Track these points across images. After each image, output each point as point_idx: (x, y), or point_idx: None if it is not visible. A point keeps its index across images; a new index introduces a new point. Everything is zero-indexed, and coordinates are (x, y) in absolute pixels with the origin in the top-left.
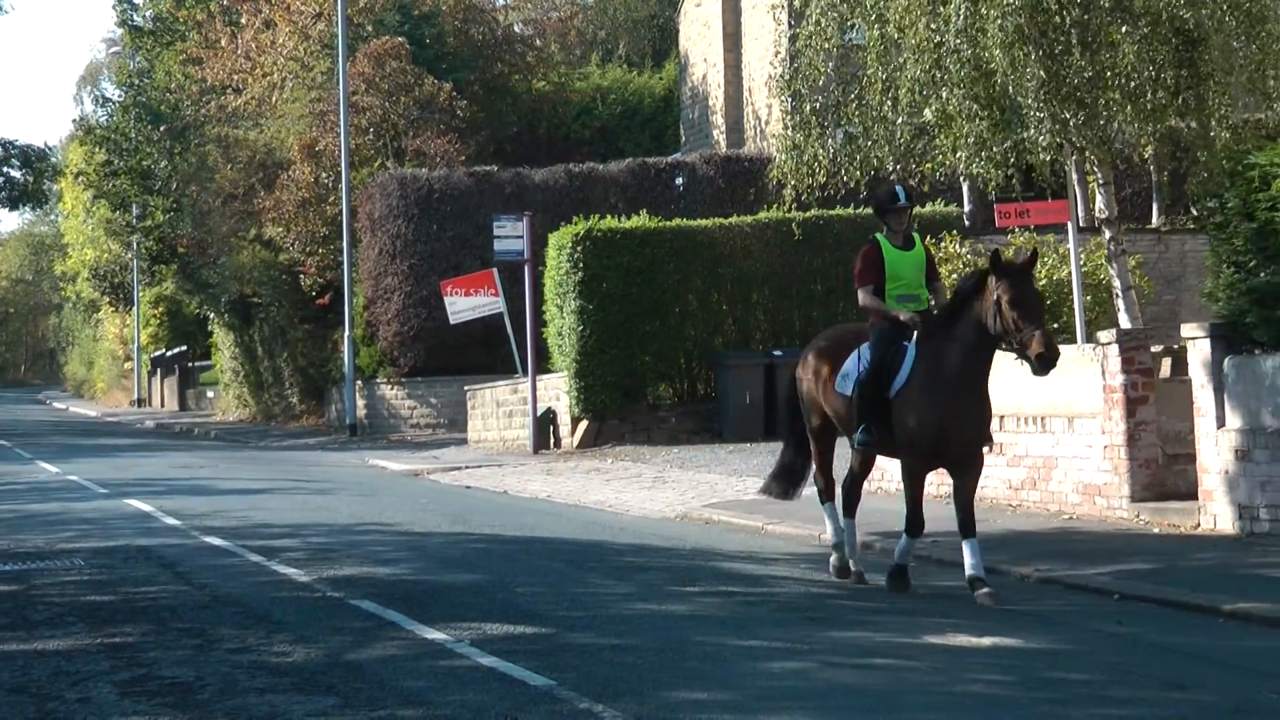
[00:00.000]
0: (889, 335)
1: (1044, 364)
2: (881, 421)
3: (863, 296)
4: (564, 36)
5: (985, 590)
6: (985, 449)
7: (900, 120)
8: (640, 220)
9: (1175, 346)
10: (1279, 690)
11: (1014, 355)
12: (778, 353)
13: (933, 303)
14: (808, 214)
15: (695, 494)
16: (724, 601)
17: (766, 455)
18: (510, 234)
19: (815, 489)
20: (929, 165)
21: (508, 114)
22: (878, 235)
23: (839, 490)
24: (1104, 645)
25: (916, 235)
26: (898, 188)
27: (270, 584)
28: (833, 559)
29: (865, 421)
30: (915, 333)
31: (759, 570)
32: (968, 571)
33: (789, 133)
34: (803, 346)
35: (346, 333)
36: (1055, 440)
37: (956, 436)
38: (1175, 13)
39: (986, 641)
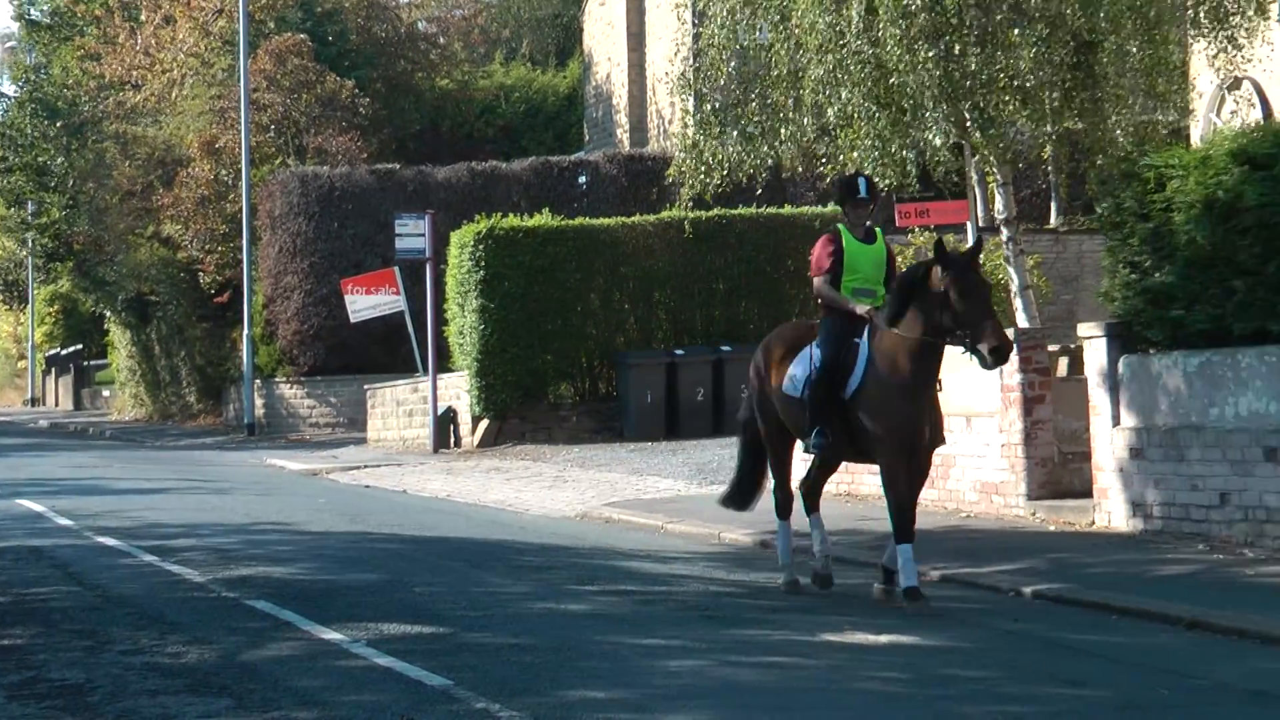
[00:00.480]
0: (840, 331)
1: (997, 357)
2: (836, 424)
3: (818, 284)
4: (467, 35)
5: (917, 603)
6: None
7: (803, 120)
8: (543, 219)
9: (1072, 346)
10: (1170, 686)
11: (962, 350)
12: (679, 352)
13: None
14: (709, 213)
15: (596, 493)
16: (623, 600)
17: (667, 455)
18: (412, 232)
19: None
20: (831, 166)
21: (410, 112)
22: (839, 225)
23: (798, 504)
24: (999, 642)
25: (880, 231)
26: (860, 179)
27: (164, 584)
28: (782, 577)
29: (819, 424)
30: (867, 328)
31: (658, 569)
32: (902, 581)
33: (689, 132)
34: (704, 345)
35: (245, 331)
36: (954, 439)
37: (925, 436)
38: (1071, 15)
39: (884, 639)
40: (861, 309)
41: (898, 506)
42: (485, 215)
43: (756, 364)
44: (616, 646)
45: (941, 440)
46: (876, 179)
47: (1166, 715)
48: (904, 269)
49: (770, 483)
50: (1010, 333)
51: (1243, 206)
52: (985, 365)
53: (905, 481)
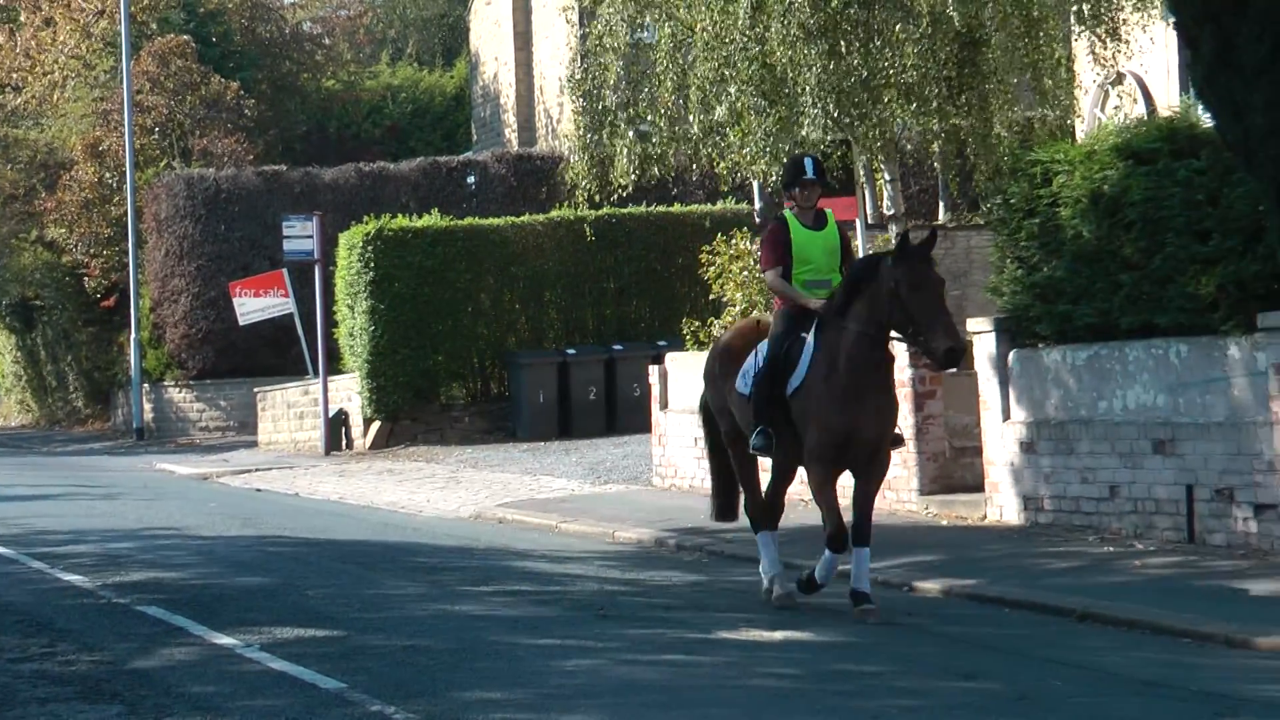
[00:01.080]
0: (790, 325)
1: (949, 359)
2: (781, 423)
3: (770, 279)
4: (353, 35)
5: (869, 607)
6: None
7: (692, 118)
8: (432, 219)
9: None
10: (1063, 678)
11: (909, 347)
12: (571, 351)
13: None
14: (600, 213)
15: (489, 493)
16: (517, 600)
17: (560, 454)
18: (300, 234)
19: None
20: (723, 165)
21: (297, 113)
22: (785, 213)
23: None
24: (893, 637)
25: (830, 214)
26: (806, 159)
27: (53, 591)
28: (775, 590)
29: (762, 423)
30: (816, 322)
31: (553, 569)
32: (852, 584)
33: (580, 133)
34: (596, 344)
35: (133, 335)
36: None
37: (859, 435)
38: (951, 12)
39: (778, 635)
40: (815, 303)
41: (827, 508)
42: (374, 216)
43: (710, 367)
44: (512, 647)
45: (898, 439)
46: (765, 176)
47: (1059, 707)
48: (860, 257)
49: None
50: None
51: (1128, 201)
52: (937, 366)
53: (833, 486)
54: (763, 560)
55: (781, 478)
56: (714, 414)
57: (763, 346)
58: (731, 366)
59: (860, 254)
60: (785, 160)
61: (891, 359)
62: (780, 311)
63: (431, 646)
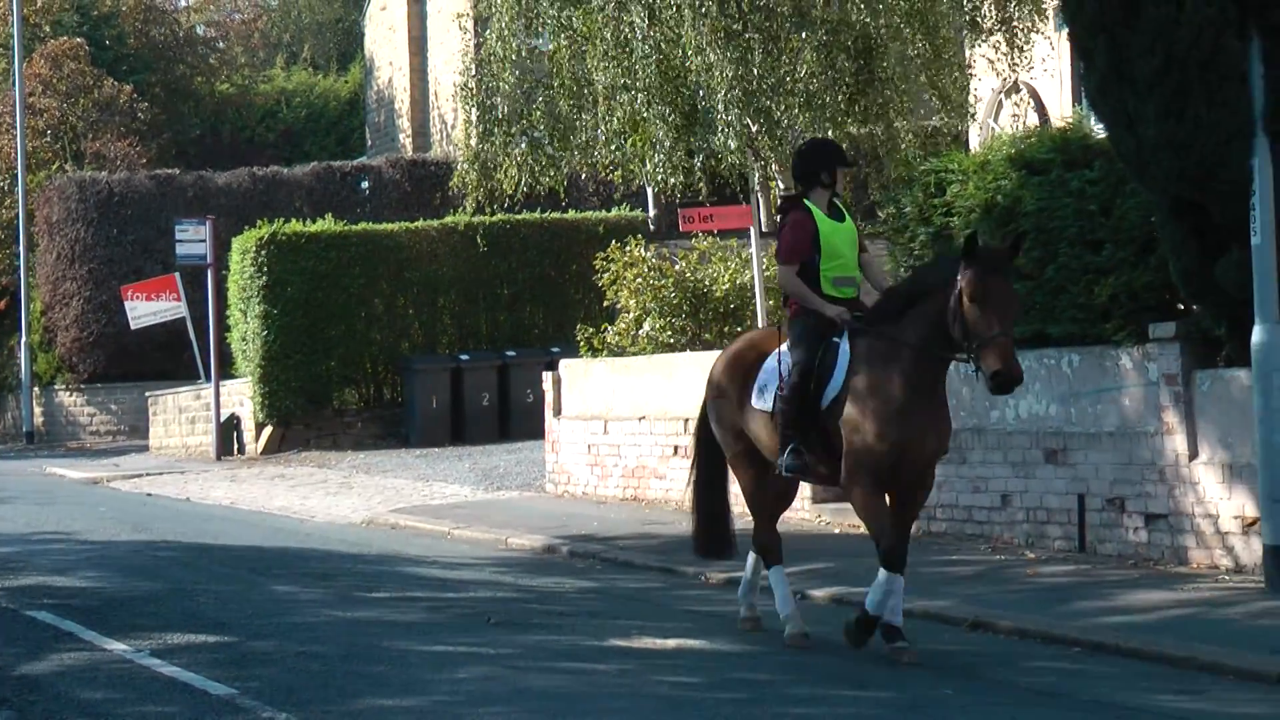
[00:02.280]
0: (816, 329)
1: (997, 384)
2: (815, 440)
3: (784, 276)
4: (248, 39)
5: (902, 645)
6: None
7: (592, 126)
8: (325, 224)
9: None
10: (953, 687)
11: (971, 367)
12: (465, 357)
13: (864, 286)
14: (494, 219)
15: (382, 499)
16: (410, 606)
17: (453, 460)
18: (192, 238)
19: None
20: (618, 173)
21: (190, 116)
22: (806, 200)
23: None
24: (784, 644)
25: (844, 200)
26: (828, 142)
27: None
28: (788, 629)
29: (793, 441)
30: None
31: (446, 574)
32: (886, 617)
33: (471, 141)
34: (490, 350)
35: (22, 339)
36: None
37: (913, 454)
38: (854, 19)
39: (671, 643)
40: (833, 311)
41: (878, 530)
42: (267, 221)
43: (716, 379)
44: (404, 653)
45: (944, 449)
46: (662, 184)
47: (950, 715)
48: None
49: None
50: None
51: (1021, 211)
52: (990, 390)
53: (882, 511)
54: (777, 599)
55: (781, 495)
56: (720, 435)
57: (783, 355)
58: (743, 379)
59: (754, 263)
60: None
61: (942, 376)
62: (796, 319)
63: (323, 652)
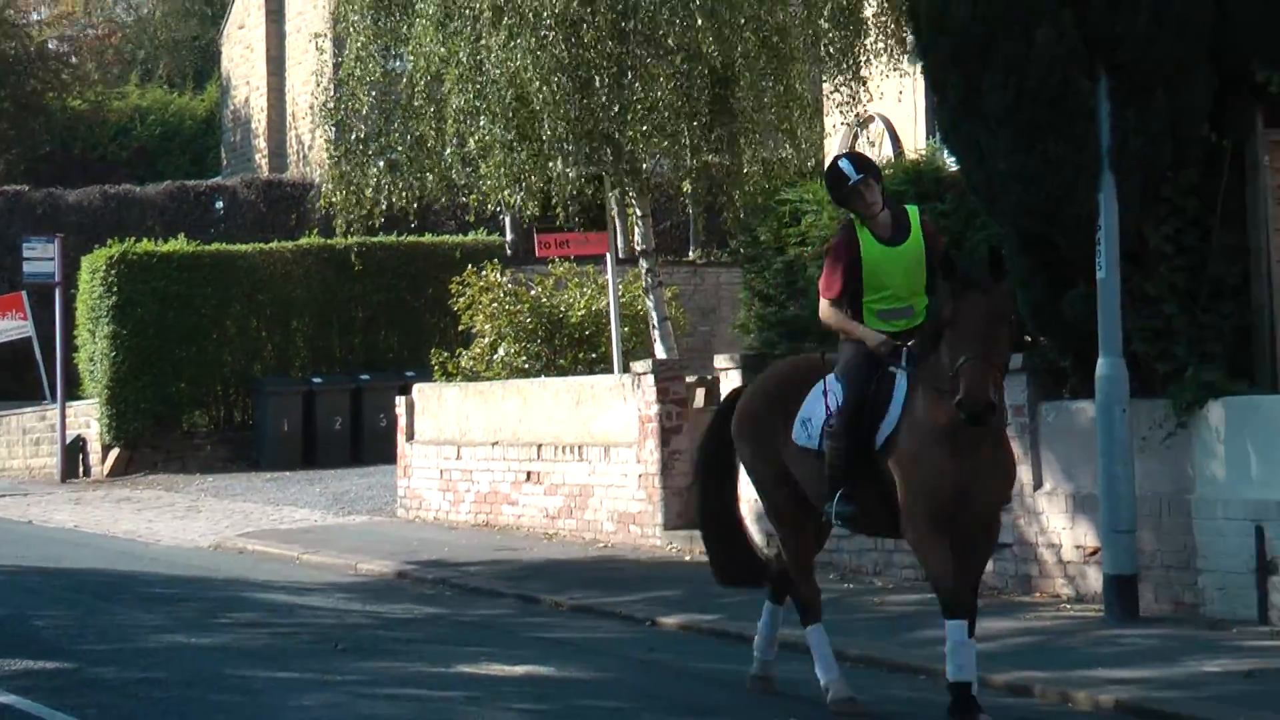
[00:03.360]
0: (868, 357)
1: (965, 414)
2: (868, 484)
3: (822, 310)
4: (101, 55)
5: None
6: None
7: (446, 150)
8: (178, 244)
9: (709, 378)
10: (801, 714)
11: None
12: (317, 380)
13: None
14: (350, 241)
15: (230, 523)
16: (256, 632)
17: (304, 484)
18: (40, 256)
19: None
20: (474, 196)
21: (41, 132)
22: (853, 220)
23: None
24: (634, 672)
25: (915, 211)
26: (841, 161)
27: None
28: (831, 692)
29: (843, 485)
30: (906, 354)
31: (293, 600)
32: (950, 671)
33: (335, 162)
34: (343, 374)
35: None
36: (591, 469)
37: (973, 498)
38: (707, 49)
39: (520, 670)
40: (873, 340)
41: (941, 580)
42: (118, 239)
43: (752, 410)
44: (249, 680)
45: (1007, 492)
46: (518, 210)
47: None
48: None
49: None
50: (645, 364)
51: None
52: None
53: (943, 555)
54: (817, 663)
55: (811, 548)
56: (756, 476)
57: (831, 384)
58: (785, 411)
59: (610, 289)
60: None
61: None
62: (845, 343)
63: (166, 679)
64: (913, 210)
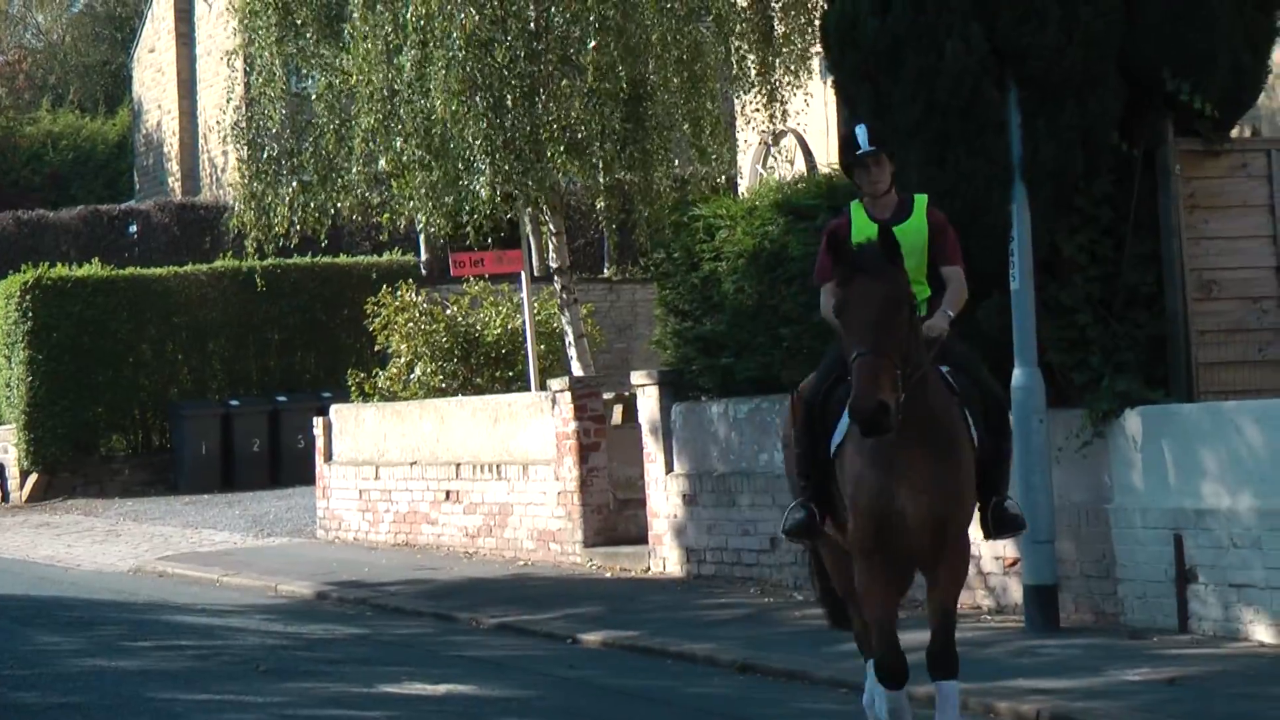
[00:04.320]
0: (836, 359)
1: (853, 419)
2: (825, 494)
3: (823, 301)
4: (12, 80)
5: None
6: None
7: (355, 169)
8: (93, 269)
9: (626, 394)
10: None
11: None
12: (234, 403)
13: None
14: (265, 263)
15: (149, 547)
16: (177, 655)
17: (224, 506)
18: None
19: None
20: (386, 215)
21: None
22: (852, 204)
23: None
24: (555, 689)
25: (923, 199)
26: (858, 128)
27: None
28: None
29: (800, 494)
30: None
31: (214, 622)
32: None
33: (247, 181)
34: (260, 396)
35: None
36: (511, 487)
37: (902, 517)
38: (620, 67)
39: (441, 689)
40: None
41: (873, 624)
42: (32, 265)
43: (786, 430)
44: (171, 703)
45: (952, 517)
46: (431, 229)
47: None
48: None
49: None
50: (562, 381)
51: (789, 256)
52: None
53: (872, 590)
54: (876, 702)
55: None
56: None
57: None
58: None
59: (525, 307)
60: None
61: (954, 409)
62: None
63: (86, 703)
64: (920, 198)
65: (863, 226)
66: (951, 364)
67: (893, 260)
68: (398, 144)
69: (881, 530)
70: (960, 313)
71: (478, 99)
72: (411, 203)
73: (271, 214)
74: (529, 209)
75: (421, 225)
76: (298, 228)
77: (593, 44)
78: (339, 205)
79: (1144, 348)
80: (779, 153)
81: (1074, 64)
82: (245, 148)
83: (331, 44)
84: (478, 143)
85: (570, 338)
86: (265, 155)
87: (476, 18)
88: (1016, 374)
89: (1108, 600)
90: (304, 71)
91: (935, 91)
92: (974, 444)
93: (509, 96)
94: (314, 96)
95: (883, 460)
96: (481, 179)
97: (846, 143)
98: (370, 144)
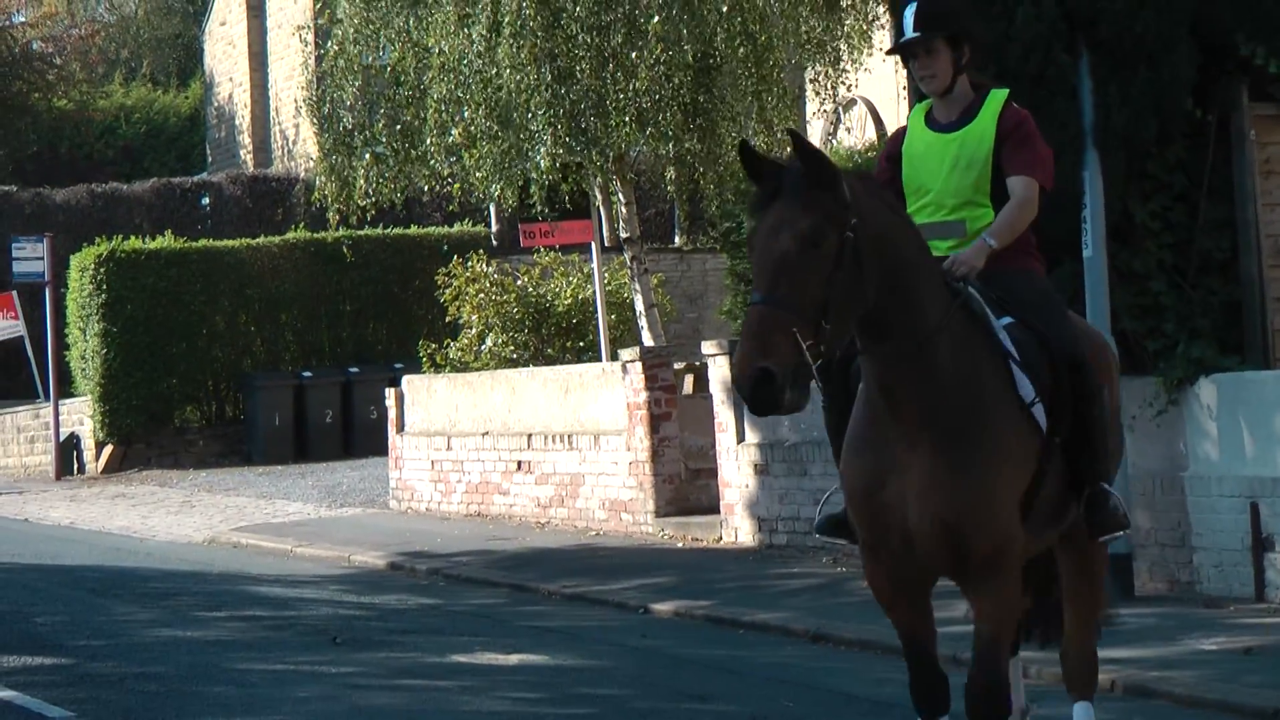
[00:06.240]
0: None
1: (737, 389)
2: None
3: None
4: (85, 55)
5: None
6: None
7: (428, 141)
8: (166, 241)
9: (697, 364)
10: (795, 699)
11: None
12: (307, 374)
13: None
14: (337, 234)
15: (224, 517)
16: (251, 625)
17: (296, 478)
18: (30, 255)
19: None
20: (457, 186)
21: (27, 133)
22: (917, 107)
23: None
24: (628, 659)
25: (999, 95)
26: (906, 10)
27: None
28: None
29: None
30: None
31: (287, 593)
32: None
33: (323, 154)
34: (333, 367)
35: None
36: (582, 457)
37: (894, 519)
38: (688, 38)
39: (514, 659)
40: None
41: (902, 643)
42: (106, 238)
43: None
44: (245, 673)
45: (963, 520)
46: (498, 199)
47: None
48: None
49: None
50: (633, 351)
51: None
52: None
53: (883, 594)
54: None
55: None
56: None
57: None
58: None
59: (595, 278)
60: (522, 184)
61: (981, 382)
62: None
63: (162, 673)
64: (996, 94)
65: (918, 136)
66: (1015, 315)
67: (820, 182)
68: (467, 114)
69: (875, 527)
70: (1028, 241)
71: (545, 70)
72: (480, 173)
73: (352, 186)
74: (598, 179)
75: (495, 195)
76: (370, 201)
77: (656, 19)
78: (413, 177)
79: (1218, 314)
80: (849, 121)
81: (1147, 28)
82: (318, 121)
83: (405, 13)
84: (542, 113)
85: (641, 308)
86: (340, 128)
87: None
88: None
89: (1183, 569)
90: (380, 42)
91: (1006, 58)
92: (1033, 427)
93: (577, 67)
94: (388, 68)
95: (876, 442)
96: (543, 149)
97: (897, 30)
98: (442, 114)
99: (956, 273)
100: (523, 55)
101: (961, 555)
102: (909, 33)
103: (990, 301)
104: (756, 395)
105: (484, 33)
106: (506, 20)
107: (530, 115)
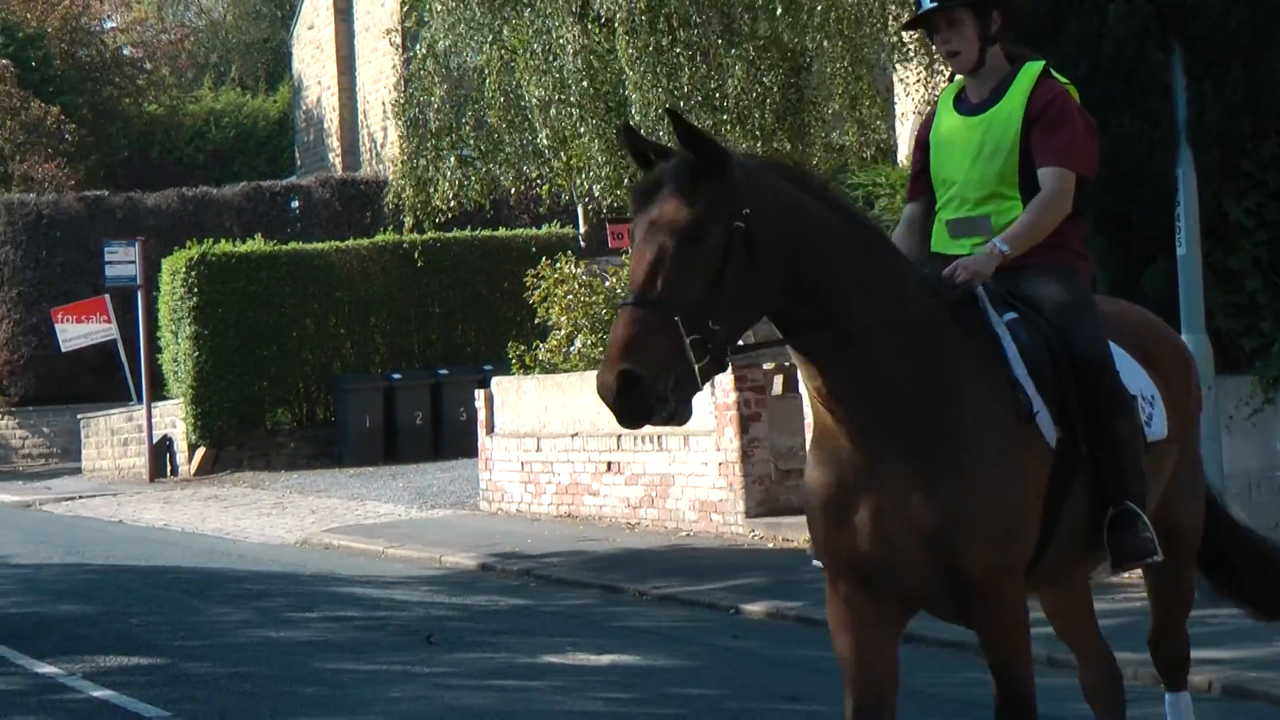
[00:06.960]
0: None
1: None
2: None
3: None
4: (175, 59)
5: None
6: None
7: (520, 141)
8: (256, 244)
9: (786, 364)
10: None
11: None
12: (397, 376)
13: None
14: (425, 237)
15: (315, 519)
16: (343, 626)
17: (387, 479)
18: (122, 259)
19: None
20: (547, 187)
21: (119, 137)
22: (947, 88)
23: None
24: (719, 659)
25: (1032, 68)
26: None
27: None
28: None
29: None
30: None
31: (379, 594)
32: None
33: (405, 157)
34: (422, 369)
35: None
36: (671, 458)
37: (851, 549)
38: (783, 36)
39: (605, 659)
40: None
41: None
42: (197, 241)
43: None
44: (337, 673)
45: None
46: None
47: None
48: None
49: None
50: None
51: None
52: None
53: (838, 631)
54: None
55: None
56: None
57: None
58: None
59: None
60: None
61: (957, 386)
62: None
63: (256, 673)
64: (1030, 67)
65: (945, 119)
66: (1021, 312)
67: (706, 170)
68: (561, 113)
69: (830, 544)
70: (1056, 241)
71: (656, 68)
72: (583, 173)
73: (432, 189)
74: None
75: (583, 197)
76: (453, 203)
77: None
78: (499, 178)
79: None
80: None
81: (1241, 24)
82: (406, 124)
83: (493, 15)
84: (653, 110)
85: None
86: (425, 131)
87: None
88: (1184, 340)
89: None
90: (472, 44)
91: (1098, 55)
92: (1029, 437)
93: (685, 65)
94: (477, 71)
95: (839, 453)
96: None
97: (916, 2)
98: (534, 116)
99: (956, 279)
100: (645, 54)
101: (943, 581)
102: (926, 2)
103: (996, 297)
104: (621, 402)
105: (578, 34)
106: (619, 19)
107: (642, 113)
